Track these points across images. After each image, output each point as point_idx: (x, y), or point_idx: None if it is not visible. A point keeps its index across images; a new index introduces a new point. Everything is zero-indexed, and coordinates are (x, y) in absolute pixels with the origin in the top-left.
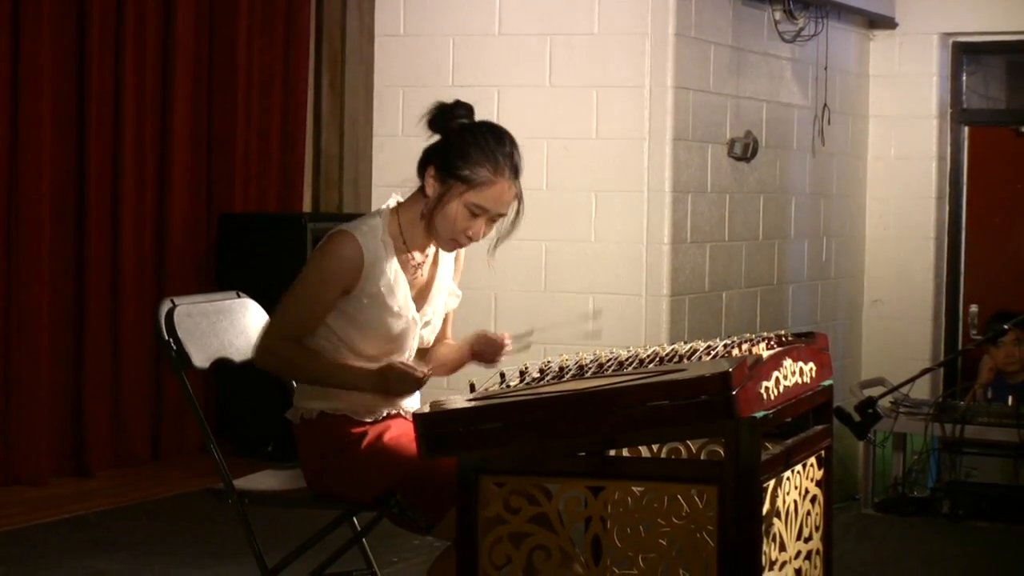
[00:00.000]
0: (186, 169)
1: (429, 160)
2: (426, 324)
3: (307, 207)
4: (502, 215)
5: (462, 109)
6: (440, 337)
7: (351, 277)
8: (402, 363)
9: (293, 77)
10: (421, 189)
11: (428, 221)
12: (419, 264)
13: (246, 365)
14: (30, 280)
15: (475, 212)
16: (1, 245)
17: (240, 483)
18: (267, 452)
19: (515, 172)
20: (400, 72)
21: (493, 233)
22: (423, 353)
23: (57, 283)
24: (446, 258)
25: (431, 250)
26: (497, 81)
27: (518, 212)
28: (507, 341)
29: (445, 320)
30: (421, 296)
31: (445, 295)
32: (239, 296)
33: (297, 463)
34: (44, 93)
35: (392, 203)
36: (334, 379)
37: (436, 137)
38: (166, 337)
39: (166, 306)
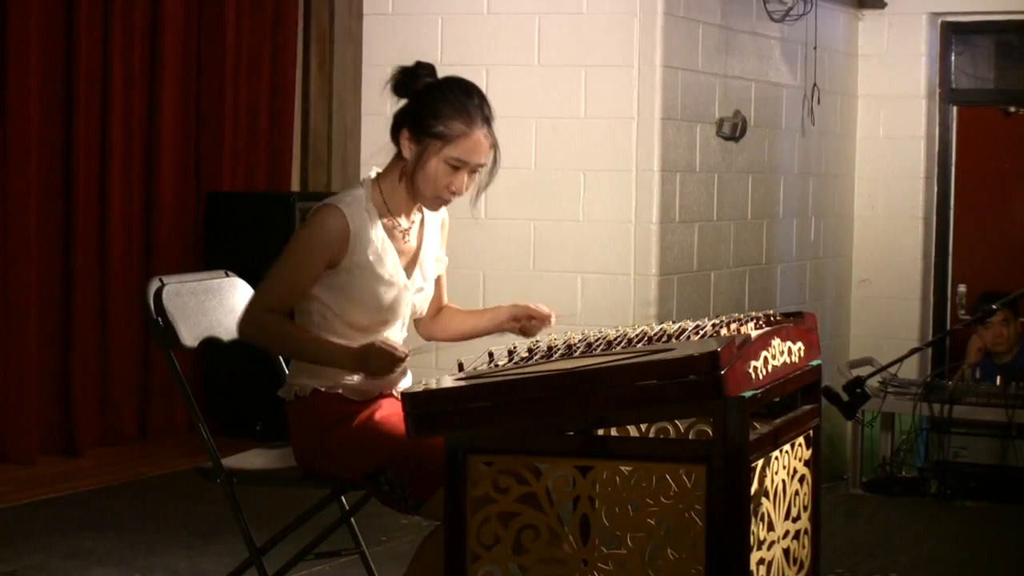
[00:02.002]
0: (174, 147)
1: (402, 123)
2: (419, 291)
3: (295, 186)
4: (481, 165)
5: (424, 69)
6: (437, 304)
7: (338, 248)
8: (383, 341)
9: (281, 55)
10: (398, 155)
11: (410, 182)
12: (405, 230)
13: (234, 344)
14: (17, 258)
15: (455, 166)
16: None
17: (228, 462)
18: (255, 431)
19: (487, 121)
20: (388, 51)
21: (473, 188)
22: (420, 322)
23: (44, 261)
24: (432, 224)
25: (417, 216)
26: (485, 60)
27: (495, 160)
28: (552, 319)
29: (438, 286)
30: (411, 263)
31: (434, 261)
32: (227, 275)
33: (285, 442)
34: (31, 69)
35: (372, 174)
36: (314, 353)
37: (403, 102)
38: (154, 316)
39: (154, 285)
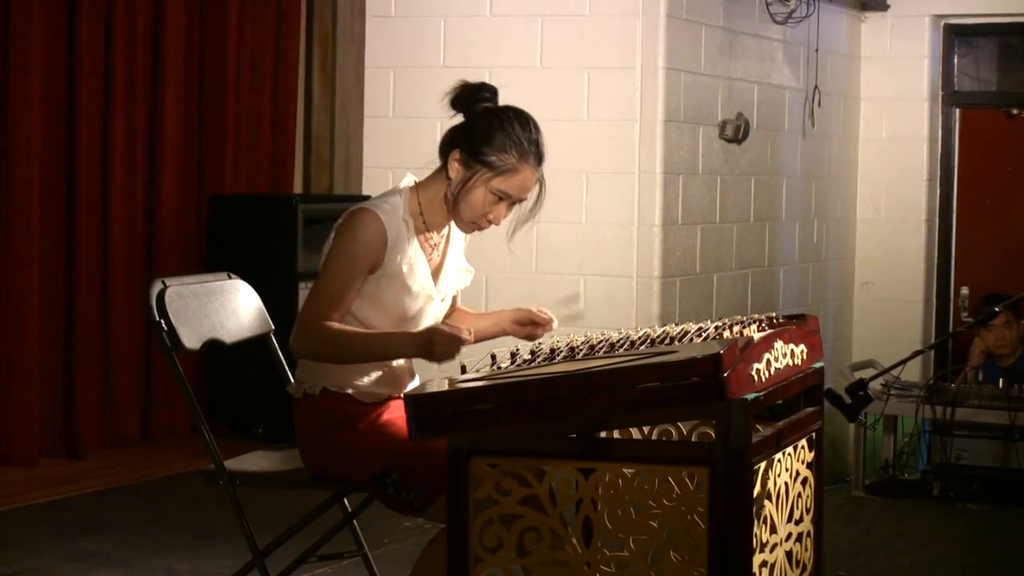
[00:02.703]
0: (177, 149)
1: (454, 143)
2: (440, 301)
3: (298, 188)
4: (523, 200)
5: (487, 91)
6: (452, 308)
7: (376, 255)
8: (446, 324)
9: (284, 58)
10: (440, 170)
11: (452, 204)
12: (436, 244)
13: (237, 346)
14: (20, 260)
15: (500, 197)
16: None
17: (231, 464)
18: (258, 433)
19: (539, 159)
20: (391, 53)
21: (512, 216)
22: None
23: (47, 263)
24: (457, 235)
25: (446, 231)
26: (488, 62)
27: (539, 198)
28: (554, 323)
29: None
30: (435, 274)
31: (456, 272)
32: (230, 277)
33: (288, 444)
34: (33, 71)
35: (410, 182)
36: (380, 350)
37: (459, 117)
38: (157, 318)
39: (157, 287)
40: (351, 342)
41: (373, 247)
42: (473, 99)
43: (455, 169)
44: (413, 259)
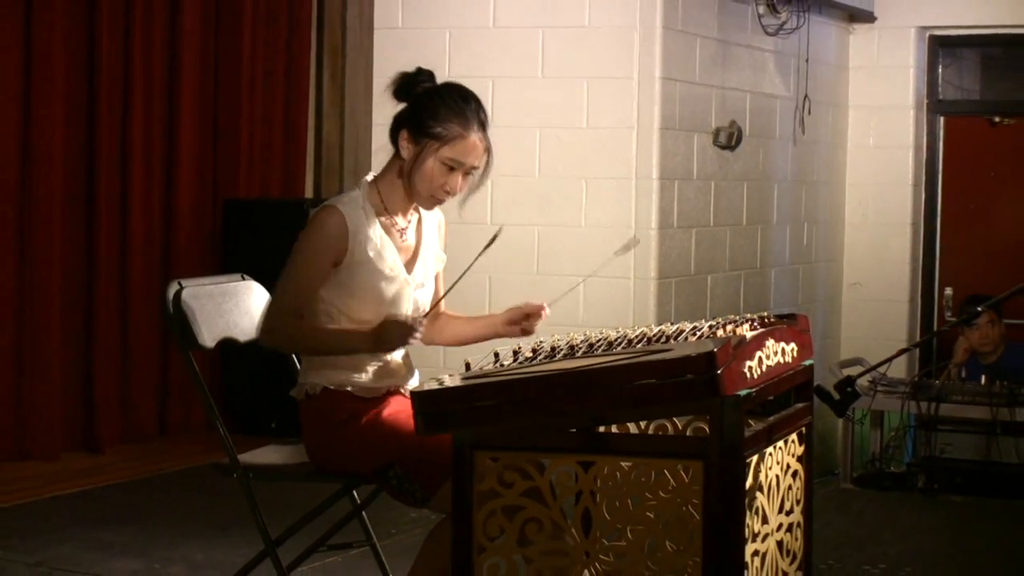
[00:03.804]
0: (192, 156)
1: (401, 125)
2: (419, 286)
3: (309, 193)
4: (475, 167)
5: (424, 75)
6: (436, 309)
7: (339, 247)
8: (393, 315)
9: (295, 68)
10: (395, 155)
11: (408, 181)
12: (403, 229)
13: (250, 345)
14: (42, 262)
15: (451, 166)
16: (14, 227)
17: (244, 458)
18: (270, 428)
19: (483, 126)
20: (398, 63)
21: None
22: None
23: (68, 265)
24: (430, 223)
25: (414, 216)
26: (491, 72)
27: (487, 164)
28: (546, 310)
29: (436, 283)
30: (411, 260)
31: (433, 259)
32: (243, 278)
33: (299, 439)
34: (55, 80)
35: (369, 177)
36: (336, 345)
37: (402, 106)
38: (173, 317)
39: (173, 288)
40: (311, 337)
41: (333, 238)
42: (414, 84)
43: (405, 148)
44: (380, 244)
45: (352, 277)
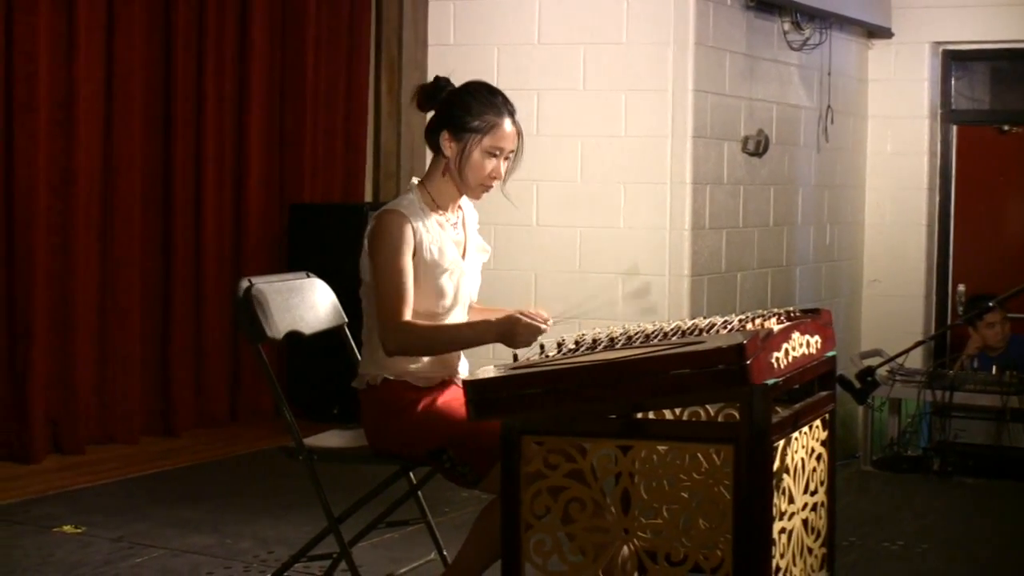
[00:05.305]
0: (260, 164)
1: (440, 127)
2: (471, 276)
3: (368, 197)
4: (513, 151)
5: (443, 82)
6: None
7: (410, 245)
8: (525, 313)
9: (355, 82)
10: (436, 157)
11: (459, 175)
12: (455, 224)
13: (314, 337)
14: (123, 262)
15: (494, 153)
16: (98, 230)
17: (309, 442)
18: (333, 415)
19: (512, 113)
20: (451, 77)
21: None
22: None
23: (147, 265)
24: (471, 219)
25: (459, 212)
26: (536, 85)
27: (518, 148)
28: (550, 322)
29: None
30: (464, 251)
31: (477, 250)
32: (308, 276)
33: (359, 424)
34: (135, 97)
35: (415, 181)
36: (465, 339)
37: (431, 114)
38: (243, 312)
39: (244, 284)
40: (438, 335)
41: (407, 238)
42: (438, 91)
43: (448, 147)
44: (441, 240)
45: (418, 273)
